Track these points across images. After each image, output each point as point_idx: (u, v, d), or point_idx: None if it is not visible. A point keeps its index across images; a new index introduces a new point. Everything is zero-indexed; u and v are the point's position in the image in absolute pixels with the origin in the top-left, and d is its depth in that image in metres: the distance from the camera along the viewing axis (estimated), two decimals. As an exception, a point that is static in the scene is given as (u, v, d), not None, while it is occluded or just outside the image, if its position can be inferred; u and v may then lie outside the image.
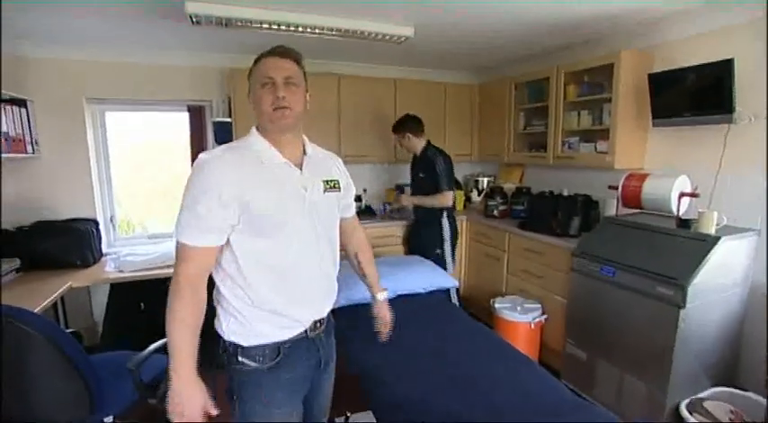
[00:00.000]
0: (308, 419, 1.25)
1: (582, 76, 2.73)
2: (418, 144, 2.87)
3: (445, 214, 2.85)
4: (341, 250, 1.31)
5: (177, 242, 1.03)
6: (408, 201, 2.96)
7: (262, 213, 1.04)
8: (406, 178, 3.83)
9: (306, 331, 1.15)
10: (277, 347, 1.10)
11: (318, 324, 1.18)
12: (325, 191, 1.17)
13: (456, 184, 3.05)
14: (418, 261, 2.45)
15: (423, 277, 2.21)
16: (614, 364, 2.10)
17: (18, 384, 1.35)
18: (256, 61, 1.11)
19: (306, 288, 1.14)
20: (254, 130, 1.14)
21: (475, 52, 3.04)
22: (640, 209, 2.30)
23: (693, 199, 2.15)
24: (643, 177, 2.24)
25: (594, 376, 2.21)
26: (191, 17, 2.02)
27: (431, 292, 2.22)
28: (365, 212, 3.47)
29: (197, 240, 1.01)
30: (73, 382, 1.37)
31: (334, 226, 1.23)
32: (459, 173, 3.50)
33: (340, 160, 1.33)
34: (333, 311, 1.27)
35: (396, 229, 3.26)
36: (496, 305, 2.67)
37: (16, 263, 2.33)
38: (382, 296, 1.52)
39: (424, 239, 2.92)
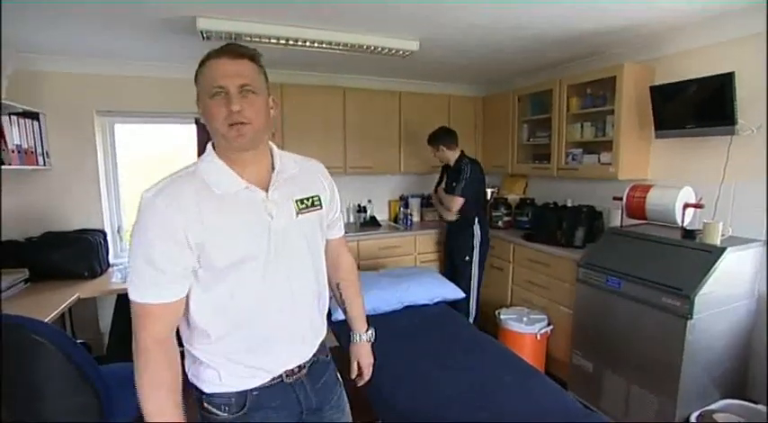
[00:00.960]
0: None
1: (584, 89, 2.77)
2: (452, 155, 2.93)
3: (478, 221, 2.88)
4: None
5: (134, 303, 0.85)
6: (434, 196, 3.12)
7: (219, 252, 0.87)
8: (411, 189, 3.88)
9: (280, 377, 0.98)
10: (244, 395, 0.94)
11: (296, 369, 1.00)
12: (298, 213, 0.97)
13: (483, 198, 3.10)
14: (424, 272, 2.46)
15: (429, 289, 2.21)
16: (621, 375, 2.09)
17: (29, 393, 1.36)
18: (202, 63, 0.89)
19: (272, 334, 0.95)
20: (209, 148, 0.94)
21: (478, 66, 3.09)
22: (645, 220, 2.31)
23: (698, 210, 2.16)
24: (647, 188, 2.25)
25: (601, 387, 2.20)
26: (201, 33, 2.07)
27: (437, 304, 2.22)
28: (370, 223, 3.50)
29: (161, 297, 0.85)
30: (83, 391, 1.38)
31: (313, 252, 1.02)
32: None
33: (323, 168, 1.10)
34: (336, 323, 1.13)
35: (398, 241, 3.28)
36: (502, 316, 2.67)
37: (25, 273, 2.35)
38: (366, 337, 1.28)
39: (454, 243, 2.95)
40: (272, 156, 0.99)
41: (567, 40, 2.44)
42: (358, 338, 1.28)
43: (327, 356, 1.13)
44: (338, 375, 1.17)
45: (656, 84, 2.34)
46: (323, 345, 1.10)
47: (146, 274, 0.84)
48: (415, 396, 1.47)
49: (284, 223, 0.94)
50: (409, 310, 2.10)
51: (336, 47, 2.39)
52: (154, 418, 0.83)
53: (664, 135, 2.35)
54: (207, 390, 0.94)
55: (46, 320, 1.86)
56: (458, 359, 1.68)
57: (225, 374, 0.93)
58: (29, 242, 2.56)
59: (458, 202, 2.80)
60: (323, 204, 1.04)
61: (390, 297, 2.08)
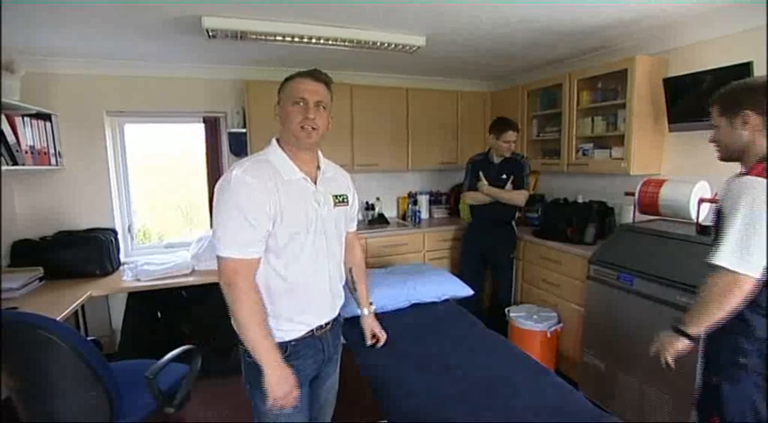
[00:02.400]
0: (315, 404, 1.37)
1: (595, 83, 2.71)
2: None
3: (515, 217, 2.85)
4: None
5: (228, 258, 1.08)
6: (487, 190, 2.77)
7: (286, 226, 1.12)
8: (419, 187, 3.86)
9: (312, 331, 1.24)
10: (285, 346, 1.18)
11: (325, 325, 1.27)
12: (335, 206, 1.25)
13: None
14: (432, 269, 2.44)
15: (437, 286, 2.19)
16: (634, 375, 2.04)
17: (41, 391, 1.38)
18: (290, 78, 1.19)
19: (314, 298, 1.22)
20: (274, 142, 1.21)
21: (487, 61, 3.05)
22: (658, 215, 2.26)
23: (713, 205, 2.10)
24: (661, 183, 2.20)
25: (614, 387, 2.16)
26: (207, 31, 2.08)
27: (445, 301, 2.20)
28: (378, 221, 3.48)
29: (252, 253, 1.09)
30: (94, 389, 1.40)
31: (341, 240, 1.31)
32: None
33: (348, 176, 1.41)
34: (346, 320, 1.37)
35: (407, 238, 3.26)
36: (512, 314, 2.64)
37: (39, 272, 2.40)
38: (368, 311, 1.64)
39: (497, 242, 2.83)
40: (318, 158, 1.27)
41: (578, 33, 2.39)
42: (367, 312, 1.64)
43: (342, 319, 1.42)
44: (342, 339, 1.43)
45: (670, 76, 2.27)
46: (340, 308, 1.37)
47: (240, 233, 1.07)
48: (422, 396, 1.45)
49: (326, 211, 1.21)
50: (417, 308, 2.08)
51: (342, 43, 2.38)
52: (261, 349, 1.09)
53: (678, 128, 2.29)
54: None
55: (59, 318, 1.90)
56: (466, 358, 1.66)
57: (275, 330, 1.16)
58: (43, 241, 2.61)
59: (526, 195, 2.77)
60: (348, 202, 1.33)
61: (398, 295, 2.06)
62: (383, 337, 1.69)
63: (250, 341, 1.10)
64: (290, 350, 1.20)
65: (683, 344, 1.30)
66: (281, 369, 1.12)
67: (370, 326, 1.67)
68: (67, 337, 1.32)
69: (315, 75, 1.18)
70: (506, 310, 2.72)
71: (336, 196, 1.26)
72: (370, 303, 1.65)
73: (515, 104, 3.30)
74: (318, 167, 1.26)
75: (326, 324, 1.28)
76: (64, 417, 1.40)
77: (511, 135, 2.70)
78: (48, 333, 1.29)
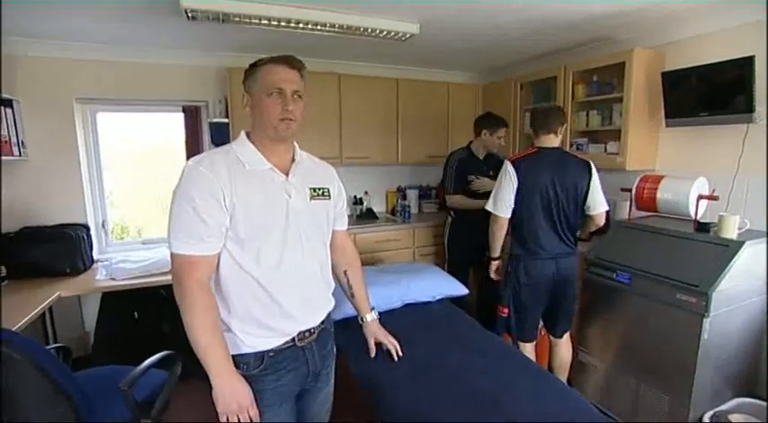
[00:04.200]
0: (304, 420, 1.25)
1: (591, 76, 2.65)
2: None
3: None
4: None
5: (177, 255, 1.00)
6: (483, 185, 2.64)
7: (246, 218, 1.02)
8: (408, 181, 3.76)
9: (293, 340, 1.12)
10: (261, 356, 1.08)
11: (307, 334, 1.15)
12: (312, 198, 1.14)
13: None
14: (425, 268, 2.35)
15: (431, 285, 2.10)
16: (630, 374, 2.01)
17: (3, 405, 1.24)
18: (259, 64, 1.08)
19: (288, 299, 1.09)
20: (242, 135, 1.13)
21: (481, 51, 2.96)
22: (655, 212, 2.22)
23: (710, 202, 2.07)
24: (658, 179, 2.16)
25: (609, 386, 2.13)
26: (186, 12, 1.92)
27: (439, 301, 2.12)
28: (366, 216, 3.38)
29: (203, 249, 1.00)
30: (59, 405, 1.26)
31: (322, 235, 1.20)
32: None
33: (333, 171, 1.30)
34: (337, 323, 1.24)
35: (396, 234, 3.17)
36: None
37: (2, 271, 2.22)
38: (371, 317, 1.49)
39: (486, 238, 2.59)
40: (293, 150, 1.17)
41: (575, 23, 2.31)
42: (367, 319, 1.48)
43: (332, 328, 1.28)
44: (335, 350, 1.32)
45: (668, 69, 2.23)
46: (329, 316, 1.25)
47: (190, 227, 0.98)
48: (418, 400, 1.37)
49: (300, 204, 1.11)
50: (410, 307, 1.99)
51: (331, 29, 2.25)
52: (207, 355, 0.99)
53: (675, 123, 2.25)
54: (231, 352, 1.04)
55: (24, 321, 1.77)
56: (462, 360, 1.58)
57: (247, 337, 1.06)
58: (5, 238, 2.41)
59: None
60: (331, 197, 1.21)
61: (391, 294, 1.97)
62: (395, 345, 1.52)
63: (195, 345, 0.98)
64: (266, 362, 1.08)
65: None
66: (231, 380, 1.01)
67: (373, 334, 1.50)
68: (25, 349, 1.18)
69: (290, 61, 1.07)
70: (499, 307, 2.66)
71: (314, 189, 1.16)
72: (372, 309, 1.49)
73: (508, 97, 3.23)
74: (293, 159, 1.15)
75: (309, 332, 1.15)
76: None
77: (503, 131, 2.66)
78: (4, 345, 1.15)
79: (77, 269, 2.41)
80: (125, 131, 3.07)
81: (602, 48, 2.68)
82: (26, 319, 1.79)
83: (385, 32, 2.33)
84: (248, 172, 1.05)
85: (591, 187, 2.00)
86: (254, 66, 1.09)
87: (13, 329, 1.65)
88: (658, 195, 2.13)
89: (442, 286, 2.14)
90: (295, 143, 1.19)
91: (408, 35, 2.37)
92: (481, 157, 2.74)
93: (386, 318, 1.61)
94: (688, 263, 1.83)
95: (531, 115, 2.09)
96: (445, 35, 2.55)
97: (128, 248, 2.92)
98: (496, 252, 2.16)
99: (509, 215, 2.01)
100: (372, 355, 1.52)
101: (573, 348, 2.21)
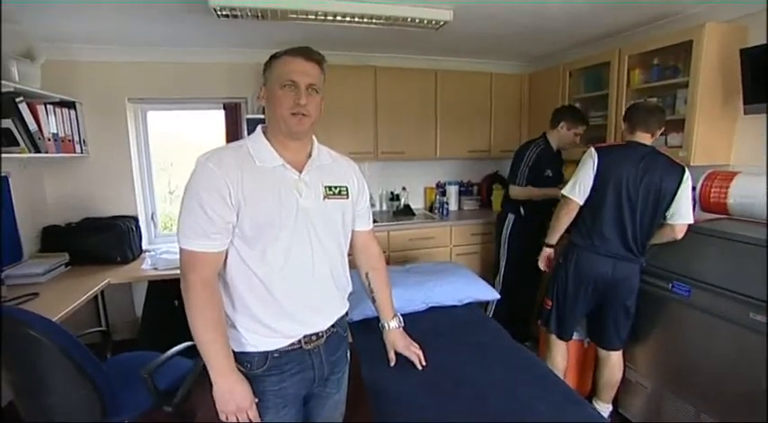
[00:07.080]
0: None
1: (650, 59, 2.34)
2: None
3: None
4: (352, 268, 1.22)
5: (183, 250, 1.00)
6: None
7: (252, 216, 0.99)
8: (448, 176, 3.62)
9: (299, 342, 1.08)
10: (265, 356, 1.06)
11: (314, 337, 1.10)
12: (325, 197, 1.08)
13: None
14: (454, 268, 2.22)
15: (458, 288, 1.98)
16: (687, 399, 1.76)
17: (32, 386, 1.35)
18: (276, 57, 1.04)
19: (291, 301, 1.05)
20: (258, 129, 1.10)
21: (523, 38, 2.74)
22: (725, 214, 1.92)
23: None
24: (730, 176, 1.86)
25: (660, 411, 1.88)
26: (215, 10, 1.95)
27: (467, 305, 1.99)
28: (403, 212, 3.30)
29: (208, 246, 0.98)
30: (83, 388, 1.34)
31: (336, 235, 1.13)
32: (505, 171, 3.21)
33: (355, 166, 1.24)
34: (354, 324, 1.23)
35: (432, 231, 3.06)
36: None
37: (65, 257, 2.44)
38: (394, 323, 1.41)
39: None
40: (311, 146, 1.13)
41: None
42: (388, 326, 1.41)
43: (346, 333, 1.24)
44: (348, 355, 1.27)
45: (749, 46, 1.90)
46: (342, 320, 1.20)
47: (196, 223, 0.97)
48: (422, 412, 1.25)
49: (311, 203, 1.05)
50: (434, 311, 1.88)
51: (363, 20, 2.19)
52: (210, 353, 0.98)
53: (756, 110, 1.92)
54: (233, 348, 1.03)
55: (77, 303, 1.93)
56: (479, 374, 1.43)
57: (252, 335, 1.04)
58: (69, 227, 2.66)
59: None
60: (350, 195, 1.15)
61: (415, 297, 1.88)
62: (418, 355, 1.43)
63: (197, 341, 0.98)
64: (271, 362, 1.06)
65: None
66: (231, 379, 1.00)
67: (393, 343, 1.43)
68: (53, 335, 1.26)
69: (306, 53, 1.02)
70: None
71: (330, 187, 1.10)
72: (395, 315, 1.41)
73: (555, 86, 2.97)
74: (310, 155, 1.10)
75: (317, 336, 1.11)
76: (55, 412, 1.36)
77: (582, 129, 2.51)
78: (32, 331, 1.24)
79: (126, 258, 2.60)
80: (177, 129, 3.26)
81: (664, 26, 2.35)
82: (77, 302, 1.95)
83: (417, 20, 2.22)
84: (258, 168, 1.01)
85: (679, 193, 1.76)
86: (272, 58, 1.05)
87: (67, 310, 1.83)
88: (729, 195, 1.84)
89: (470, 289, 2.01)
90: (314, 138, 1.14)
91: (442, 23, 2.25)
92: (556, 152, 2.58)
93: (407, 321, 1.52)
94: (762, 276, 1.54)
95: (629, 109, 1.91)
96: (482, 22, 2.38)
97: (174, 240, 3.09)
98: (554, 239, 2.03)
99: (582, 202, 1.88)
100: (392, 364, 1.43)
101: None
